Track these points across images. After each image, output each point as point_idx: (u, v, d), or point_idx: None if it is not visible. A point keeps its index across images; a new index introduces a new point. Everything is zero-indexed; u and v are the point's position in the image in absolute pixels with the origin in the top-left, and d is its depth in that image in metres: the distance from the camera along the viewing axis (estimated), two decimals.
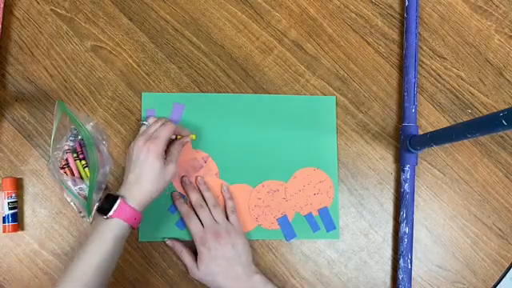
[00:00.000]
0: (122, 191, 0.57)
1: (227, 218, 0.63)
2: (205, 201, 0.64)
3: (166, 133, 0.59)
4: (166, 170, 0.58)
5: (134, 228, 0.57)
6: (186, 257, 0.62)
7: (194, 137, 0.65)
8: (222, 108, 0.68)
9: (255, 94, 0.68)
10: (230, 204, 0.65)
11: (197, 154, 0.66)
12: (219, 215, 0.62)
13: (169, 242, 0.63)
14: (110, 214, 0.54)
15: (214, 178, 0.66)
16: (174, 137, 0.63)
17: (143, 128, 0.63)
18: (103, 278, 0.53)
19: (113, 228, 0.54)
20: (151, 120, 0.63)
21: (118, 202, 0.55)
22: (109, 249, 0.54)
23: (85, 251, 0.53)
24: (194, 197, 0.63)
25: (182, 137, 0.64)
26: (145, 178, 0.56)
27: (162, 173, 0.57)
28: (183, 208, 0.63)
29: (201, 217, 0.62)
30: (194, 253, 0.62)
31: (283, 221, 0.66)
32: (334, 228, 0.67)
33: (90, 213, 0.63)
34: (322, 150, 0.68)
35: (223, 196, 0.65)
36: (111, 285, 0.63)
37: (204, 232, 0.60)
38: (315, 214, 0.67)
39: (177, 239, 0.64)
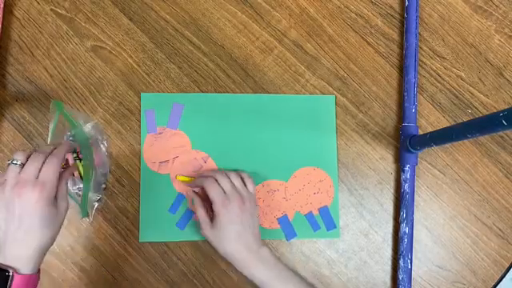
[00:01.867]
0: (8, 258, 0.45)
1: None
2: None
3: (52, 172, 0.48)
4: (59, 212, 0.49)
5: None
6: (202, 212, 0.60)
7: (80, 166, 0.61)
8: (221, 108, 0.68)
9: (255, 94, 0.68)
10: (245, 175, 0.63)
11: (197, 153, 0.66)
12: (240, 184, 0.61)
13: (189, 193, 0.62)
14: None
15: None
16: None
17: (14, 168, 0.48)
18: None
19: None
20: (21, 157, 0.49)
21: (11, 279, 0.44)
22: None
23: None
24: (210, 174, 0.61)
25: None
26: (39, 232, 0.47)
27: (56, 218, 0.49)
28: (199, 180, 0.61)
29: (222, 183, 0.59)
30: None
31: (283, 220, 0.66)
32: (335, 227, 0.67)
33: (84, 212, 0.62)
34: (322, 150, 0.68)
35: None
36: (112, 285, 0.63)
37: (226, 196, 0.58)
38: (315, 213, 0.67)
39: (196, 193, 0.63)
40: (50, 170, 0.48)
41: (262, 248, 0.58)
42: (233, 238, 0.57)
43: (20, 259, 0.46)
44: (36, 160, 0.48)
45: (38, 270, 0.48)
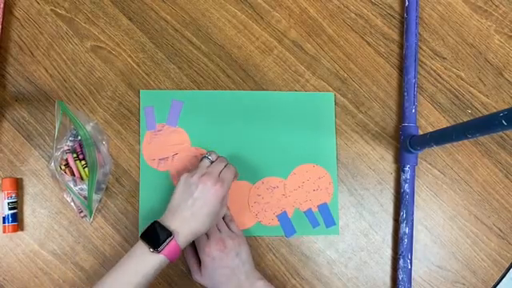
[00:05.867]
0: (173, 224, 0.54)
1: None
2: None
3: (231, 177, 0.59)
4: (219, 211, 0.58)
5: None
6: (191, 260, 0.61)
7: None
8: (220, 105, 0.68)
9: (253, 91, 0.68)
10: (227, 218, 0.64)
11: (196, 151, 0.66)
12: (222, 225, 0.62)
13: None
14: (160, 249, 0.52)
15: None
16: None
17: (206, 162, 0.60)
18: None
19: (156, 263, 0.52)
20: (214, 156, 0.61)
21: (171, 238, 0.53)
22: (146, 284, 0.52)
23: (118, 281, 0.52)
24: None
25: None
26: (201, 219, 0.55)
27: (216, 214, 0.57)
28: None
29: None
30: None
31: (283, 217, 0.66)
32: (334, 224, 0.67)
33: (91, 213, 0.63)
34: (321, 147, 0.68)
35: None
36: None
37: (209, 243, 0.59)
38: (315, 209, 0.67)
39: None
40: (230, 173, 0.59)
41: (255, 283, 0.58)
42: (223, 281, 0.58)
43: (179, 231, 0.54)
44: (222, 162, 0.60)
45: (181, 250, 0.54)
